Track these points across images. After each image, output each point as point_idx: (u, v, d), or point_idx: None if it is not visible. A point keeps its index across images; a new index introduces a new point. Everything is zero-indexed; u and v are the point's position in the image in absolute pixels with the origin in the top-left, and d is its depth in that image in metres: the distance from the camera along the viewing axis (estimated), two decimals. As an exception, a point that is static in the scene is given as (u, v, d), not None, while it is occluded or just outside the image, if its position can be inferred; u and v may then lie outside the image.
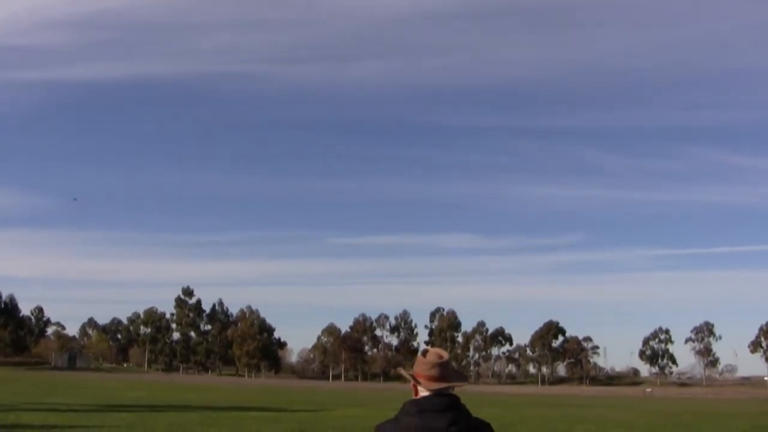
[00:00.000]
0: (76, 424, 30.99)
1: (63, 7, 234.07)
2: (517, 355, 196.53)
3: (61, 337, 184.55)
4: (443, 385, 4.20)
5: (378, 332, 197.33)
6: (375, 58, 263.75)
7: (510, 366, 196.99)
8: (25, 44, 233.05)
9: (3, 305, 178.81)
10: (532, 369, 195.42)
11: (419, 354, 4.43)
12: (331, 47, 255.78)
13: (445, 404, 4.12)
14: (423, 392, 4.24)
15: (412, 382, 4.30)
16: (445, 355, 4.36)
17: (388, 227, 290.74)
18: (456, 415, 4.10)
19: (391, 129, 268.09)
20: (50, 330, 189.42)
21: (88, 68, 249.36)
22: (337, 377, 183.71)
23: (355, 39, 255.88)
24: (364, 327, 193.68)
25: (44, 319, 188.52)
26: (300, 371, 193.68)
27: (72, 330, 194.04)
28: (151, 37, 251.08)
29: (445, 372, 4.23)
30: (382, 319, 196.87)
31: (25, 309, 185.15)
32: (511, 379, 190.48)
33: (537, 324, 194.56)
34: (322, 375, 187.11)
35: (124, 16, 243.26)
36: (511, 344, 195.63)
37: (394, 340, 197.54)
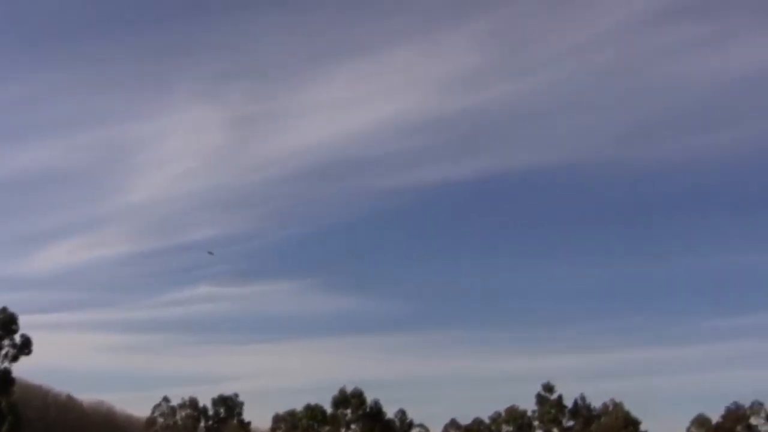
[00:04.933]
0: None
1: (416, 113, 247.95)
2: None
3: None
4: None
5: (753, 421, 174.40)
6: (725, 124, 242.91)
7: None
8: (382, 153, 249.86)
9: (368, 410, 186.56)
10: None
11: None
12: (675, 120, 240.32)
13: None
14: None
15: None
16: None
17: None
18: None
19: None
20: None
21: (436, 171, 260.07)
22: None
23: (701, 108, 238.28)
24: (737, 416, 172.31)
25: (408, 421, 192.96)
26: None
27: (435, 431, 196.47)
28: (501, 132, 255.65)
29: None
30: (756, 406, 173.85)
31: (390, 412, 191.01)
32: None
33: None
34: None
35: (467, 116, 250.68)
36: None
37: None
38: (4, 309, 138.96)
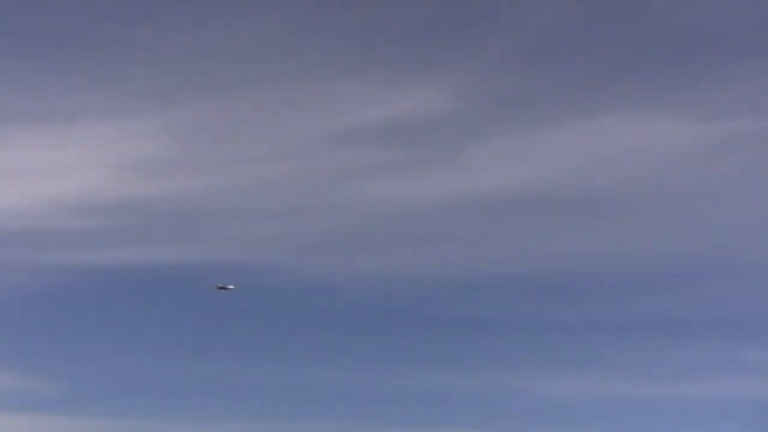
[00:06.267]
0: None
1: (96, 193, 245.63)
2: None
3: None
4: None
5: None
6: (385, 249, 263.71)
7: None
8: (48, 227, 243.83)
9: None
10: None
11: None
12: (343, 239, 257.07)
13: None
14: None
15: None
16: None
17: (393, 422, 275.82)
18: None
19: (401, 321, 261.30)
20: None
21: (104, 255, 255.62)
22: None
23: (365, 231, 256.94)
24: None
25: None
26: None
27: None
28: (169, 225, 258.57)
29: None
30: None
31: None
32: None
33: None
34: None
35: (143, 204, 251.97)
36: None
37: None
38: None
